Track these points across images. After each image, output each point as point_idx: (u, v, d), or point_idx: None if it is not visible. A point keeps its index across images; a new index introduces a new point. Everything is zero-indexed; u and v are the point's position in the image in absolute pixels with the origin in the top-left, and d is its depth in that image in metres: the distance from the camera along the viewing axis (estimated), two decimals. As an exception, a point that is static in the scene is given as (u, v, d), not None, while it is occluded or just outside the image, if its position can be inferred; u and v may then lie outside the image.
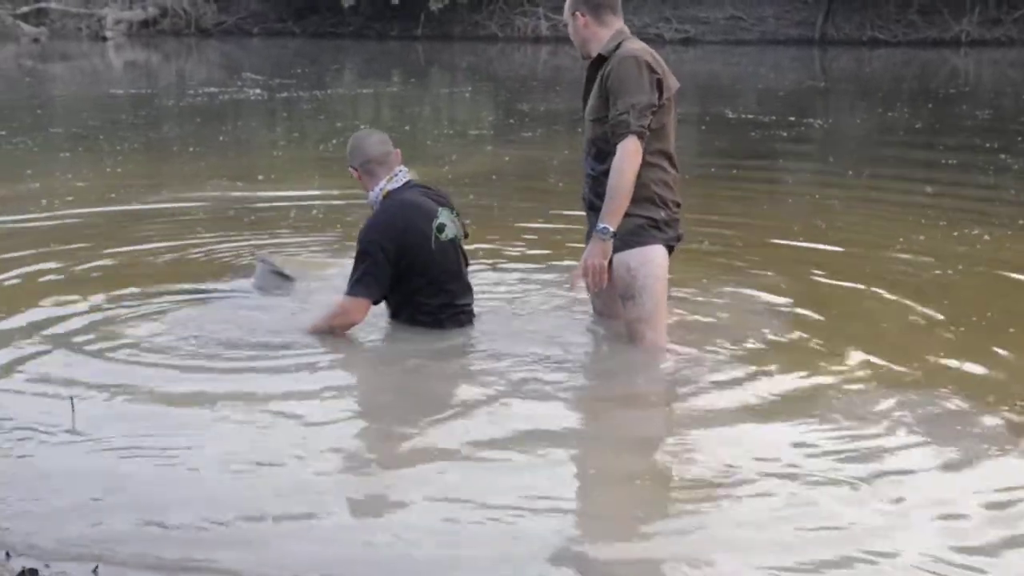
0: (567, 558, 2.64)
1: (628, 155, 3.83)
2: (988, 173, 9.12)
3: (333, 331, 4.20)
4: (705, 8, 29.94)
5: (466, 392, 3.73)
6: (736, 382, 3.81)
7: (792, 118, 13.36)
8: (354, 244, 4.25)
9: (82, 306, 4.66)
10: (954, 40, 27.38)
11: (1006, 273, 5.55)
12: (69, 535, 2.69)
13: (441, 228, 4.20)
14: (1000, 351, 4.17)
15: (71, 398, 3.52)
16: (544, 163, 9.75)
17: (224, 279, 5.17)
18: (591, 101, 4.02)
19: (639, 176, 3.87)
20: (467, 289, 4.37)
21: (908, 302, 4.89)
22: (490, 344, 4.17)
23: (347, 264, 4.30)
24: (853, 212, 7.31)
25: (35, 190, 7.82)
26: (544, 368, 3.92)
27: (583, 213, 4.23)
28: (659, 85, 3.88)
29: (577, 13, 4.02)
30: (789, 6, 29.64)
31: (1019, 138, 11.29)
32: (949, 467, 3.15)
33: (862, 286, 5.15)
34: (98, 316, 4.52)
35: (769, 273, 5.37)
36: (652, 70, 3.87)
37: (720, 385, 3.79)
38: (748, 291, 5.03)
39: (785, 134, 11.95)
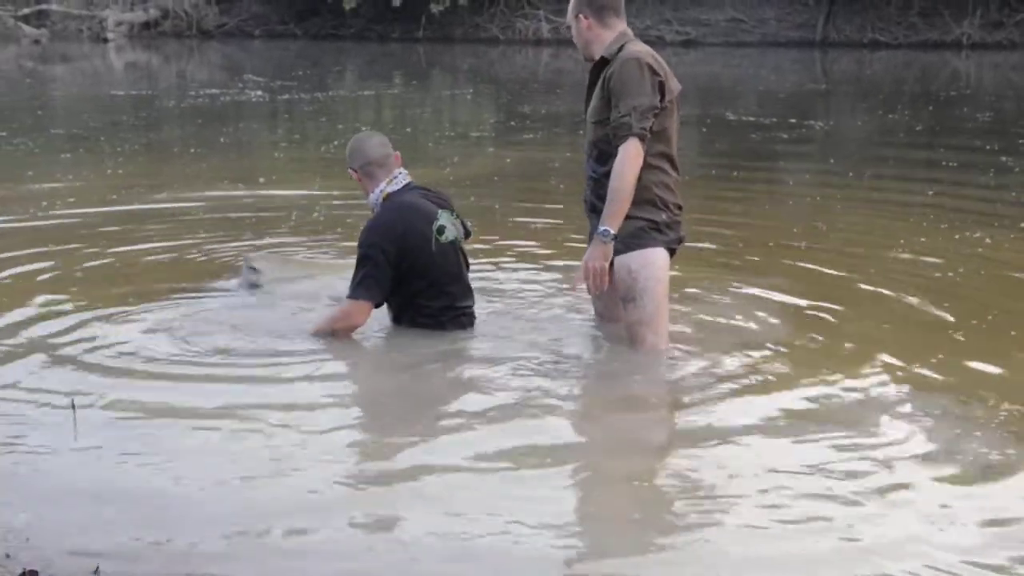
0: (568, 565, 2.63)
1: (629, 157, 3.82)
2: (989, 175, 9.11)
3: (335, 334, 4.19)
4: (706, 10, 29.95)
5: (467, 396, 3.72)
6: (737, 385, 3.80)
7: (793, 120, 13.37)
8: (355, 246, 4.25)
9: (83, 307, 4.66)
10: (955, 43, 27.38)
11: (1007, 275, 5.55)
12: (70, 537, 2.68)
13: (441, 230, 4.20)
14: (1002, 353, 4.17)
15: (72, 400, 3.51)
16: (545, 165, 9.75)
17: (225, 281, 5.17)
18: (593, 103, 4.02)
19: (640, 178, 3.86)
20: (468, 291, 4.37)
21: (909, 304, 4.89)
22: (491, 347, 4.17)
23: (346, 264, 4.30)
24: (854, 214, 7.31)
25: (36, 191, 7.82)
26: (545, 371, 3.92)
27: (584, 215, 4.22)
28: (661, 87, 3.88)
29: (580, 15, 4.02)
30: (790, 8, 29.64)
31: (1020, 140, 11.29)
32: (950, 469, 3.15)
33: (863, 288, 5.15)
34: (99, 317, 4.52)
35: (770, 275, 5.37)
36: (654, 72, 3.86)
37: (721, 388, 3.78)
38: (749, 293, 5.02)
39: (786, 136, 11.95)
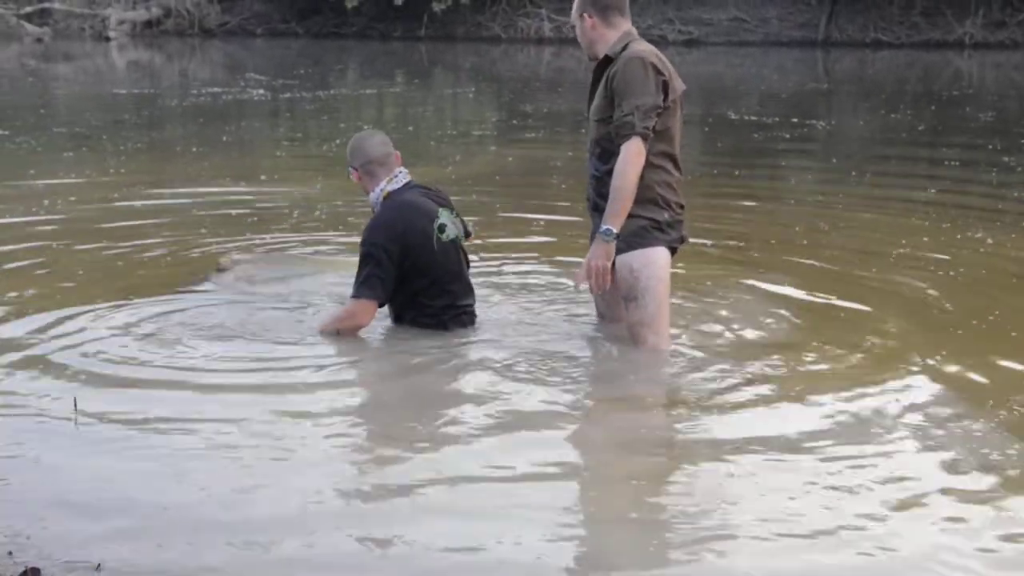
0: (569, 564, 2.63)
1: (632, 157, 3.82)
2: (991, 175, 9.11)
3: (340, 334, 4.19)
4: (708, 10, 29.93)
5: (468, 396, 3.72)
6: (738, 385, 3.80)
7: (795, 119, 13.36)
8: (357, 244, 4.25)
9: (84, 306, 4.66)
10: (957, 42, 27.35)
11: (1010, 275, 5.55)
12: (72, 534, 2.68)
13: (442, 228, 4.20)
14: (1003, 353, 4.17)
15: (74, 398, 3.51)
16: (547, 164, 9.74)
17: (228, 279, 5.16)
18: (596, 101, 4.02)
19: (643, 178, 3.86)
20: (469, 290, 4.37)
21: (911, 303, 4.89)
22: (492, 346, 4.16)
23: (343, 261, 4.29)
24: (856, 213, 7.31)
25: (38, 189, 7.83)
26: (546, 371, 3.91)
27: (586, 214, 4.22)
28: (665, 87, 3.88)
29: (585, 15, 4.02)
30: (792, 8, 29.62)
31: (1022, 140, 11.28)
32: (951, 470, 3.14)
33: (865, 287, 5.15)
34: (100, 316, 4.52)
35: (772, 274, 5.36)
36: (658, 72, 3.86)
37: (722, 388, 3.78)
38: (750, 292, 5.02)
39: (788, 135, 11.95)
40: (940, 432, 3.42)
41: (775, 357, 4.10)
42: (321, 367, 3.93)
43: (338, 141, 10.62)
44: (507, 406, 3.59)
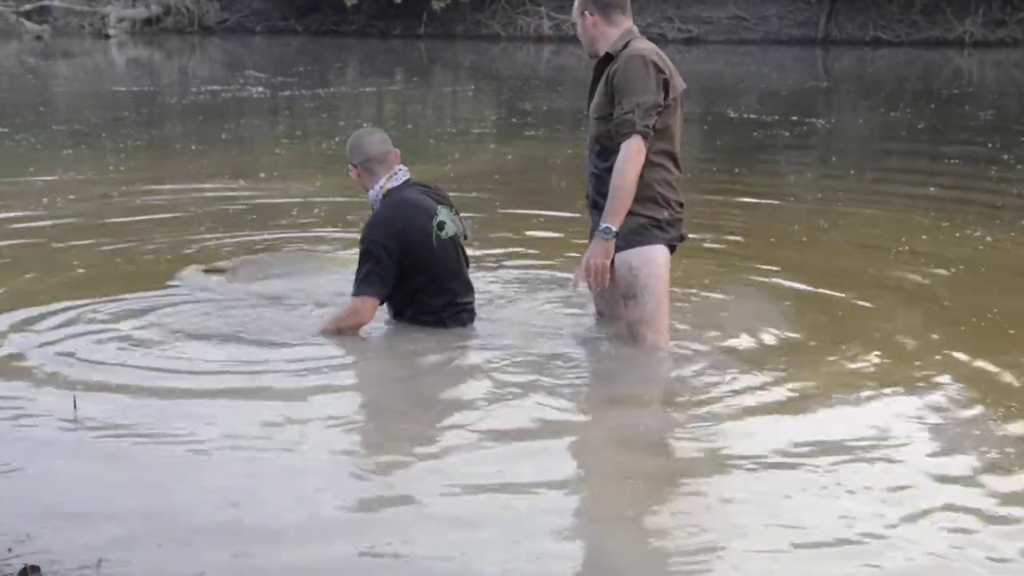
0: (568, 562, 2.63)
1: (631, 155, 3.82)
2: (991, 173, 9.11)
3: (341, 332, 4.19)
4: (708, 8, 29.91)
5: (467, 395, 3.72)
6: (738, 383, 3.80)
7: (795, 118, 13.36)
8: (355, 241, 4.25)
9: (83, 303, 4.66)
10: (957, 41, 27.33)
11: (1009, 272, 5.55)
12: (72, 533, 2.68)
13: (441, 226, 4.20)
14: (1002, 350, 4.17)
15: (73, 396, 3.51)
16: (547, 162, 9.74)
17: (227, 277, 5.16)
18: (596, 99, 4.01)
19: (642, 176, 3.86)
20: (468, 287, 4.37)
21: (910, 302, 4.90)
22: (491, 344, 4.17)
23: (342, 258, 4.28)
24: (855, 211, 7.31)
25: (37, 187, 7.83)
26: (545, 369, 3.91)
27: (586, 212, 4.22)
28: (665, 85, 3.88)
29: (586, 12, 4.01)
30: (792, 6, 29.60)
31: (1022, 138, 11.28)
32: (950, 468, 3.14)
33: (864, 286, 5.15)
34: (99, 313, 4.52)
35: (771, 273, 5.37)
36: (659, 70, 3.86)
37: (721, 386, 3.78)
38: (749, 290, 5.02)
39: (787, 134, 11.95)
40: (938, 429, 3.43)
41: (774, 355, 4.10)
42: (321, 367, 3.92)
43: (337, 139, 10.62)
44: (506, 405, 3.59)
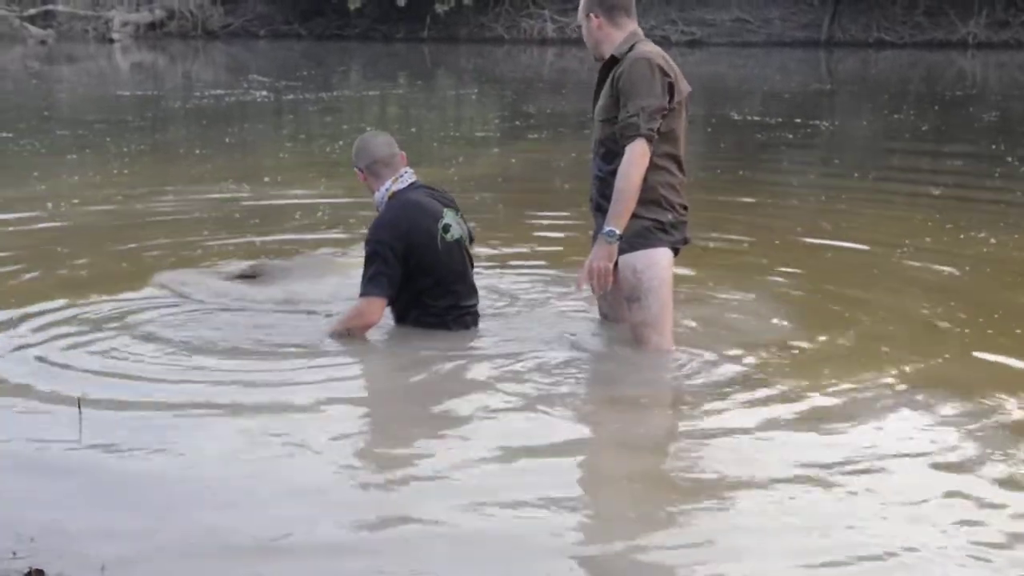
0: (571, 563, 2.63)
1: (636, 158, 3.82)
2: (995, 175, 9.10)
3: (350, 333, 4.19)
4: (711, 10, 29.94)
5: (471, 397, 3.72)
6: (741, 385, 3.80)
7: (798, 120, 13.36)
8: (358, 245, 4.25)
9: (88, 307, 4.67)
10: (961, 42, 27.34)
11: (1013, 274, 5.54)
12: (76, 535, 2.68)
13: (447, 228, 4.21)
14: (1007, 351, 4.16)
15: (78, 399, 3.51)
16: (550, 165, 9.75)
17: (230, 280, 5.17)
18: (601, 101, 4.01)
19: (646, 179, 3.86)
20: (472, 290, 4.37)
21: (914, 303, 4.89)
22: (495, 346, 4.17)
23: (346, 263, 4.28)
24: (859, 214, 7.30)
25: (41, 192, 7.84)
26: (548, 371, 3.91)
27: (589, 215, 4.22)
28: (670, 89, 3.87)
29: (591, 15, 4.02)
30: (795, 8, 29.62)
31: (1026, 140, 11.26)
32: (952, 469, 3.13)
33: (868, 287, 5.14)
34: (104, 317, 4.52)
35: (775, 274, 5.37)
36: (664, 73, 3.86)
37: (725, 388, 3.78)
38: (753, 292, 5.02)
39: (791, 136, 11.94)
40: (943, 431, 3.42)
41: (777, 357, 4.09)
42: (325, 370, 3.91)
43: (341, 143, 10.63)
44: (508, 407, 3.59)
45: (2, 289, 4.99)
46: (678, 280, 4.14)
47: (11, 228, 6.52)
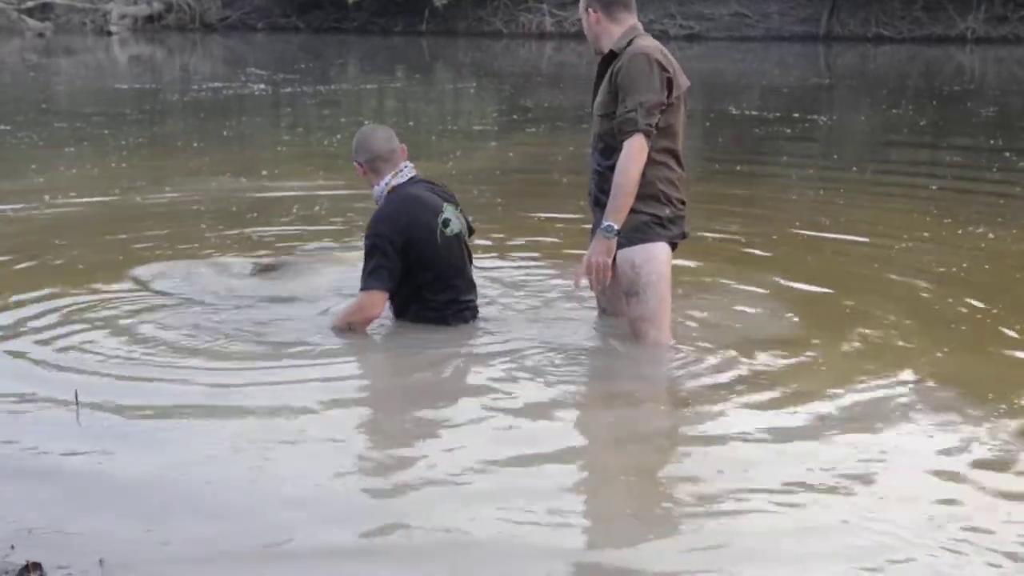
0: (571, 559, 2.63)
1: (633, 153, 3.82)
2: (993, 170, 9.10)
3: (351, 328, 4.18)
4: (710, 4, 29.89)
5: (469, 392, 3.72)
6: (740, 380, 3.80)
7: (796, 115, 13.35)
8: (357, 239, 4.25)
9: (85, 301, 4.66)
10: (959, 37, 27.31)
11: (1012, 269, 5.54)
12: (74, 529, 2.68)
13: (446, 223, 4.20)
14: (1006, 348, 4.16)
15: (75, 391, 3.51)
16: (548, 159, 9.74)
17: (229, 275, 5.16)
18: (600, 96, 4.01)
19: (644, 174, 3.86)
20: (471, 285, 4.37)
21: (913, 298, 4.89)
22: (494, 341, 4.17)
23: (346, 257, 4.28)
24: (857, 209, 7.30)
25: (39, 184, 7.83)
26: (547, 367, 3.91)
27: (587, 209, 4.22)
28: (669, 84, 3.87)
29: (589, 9, 4.01)
30: (794, 2, 29.58)
31: (1024, 135, 11.26)
32: (952, 466, 3.13)
33: (867, 283, 5.15)
34: (101, 311, 4.52)
35: (773, 269, 5.36)
36: (663, 68, 3.85)
37: (724, 383, 3.78)
38: (752, 287, 5.02)
39: (789, 131, 11.94)
40: (942, 428, 3.42)
41: (776, 352, 4.09)
42: (324, 365, 3.91)
43: (339, 136, 10.62)
44: (508, 402, 3.58)
45: (-1, 282, 4.99)
46: (676, 274, 4.14)
47: (8, 220, 6.51)
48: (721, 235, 6.16)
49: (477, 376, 3.84)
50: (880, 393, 3.69)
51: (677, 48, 23.59)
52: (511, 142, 11.11)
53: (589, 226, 4.18)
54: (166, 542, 2.63)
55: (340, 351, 4.09)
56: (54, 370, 3.83)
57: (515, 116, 13.74)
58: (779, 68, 21.63)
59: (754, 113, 13.53)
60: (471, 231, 4.40)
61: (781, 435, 3.34)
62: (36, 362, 3.91)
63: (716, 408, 3.57)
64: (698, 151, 9.78)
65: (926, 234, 6.30)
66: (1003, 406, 3.56)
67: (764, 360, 4.00)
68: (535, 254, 5.72)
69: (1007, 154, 9.87)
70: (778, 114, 13.32)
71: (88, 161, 9.26)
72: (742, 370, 3.89)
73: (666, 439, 3.46)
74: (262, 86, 16.37)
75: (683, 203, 4.03)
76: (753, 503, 2.86)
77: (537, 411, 3.51)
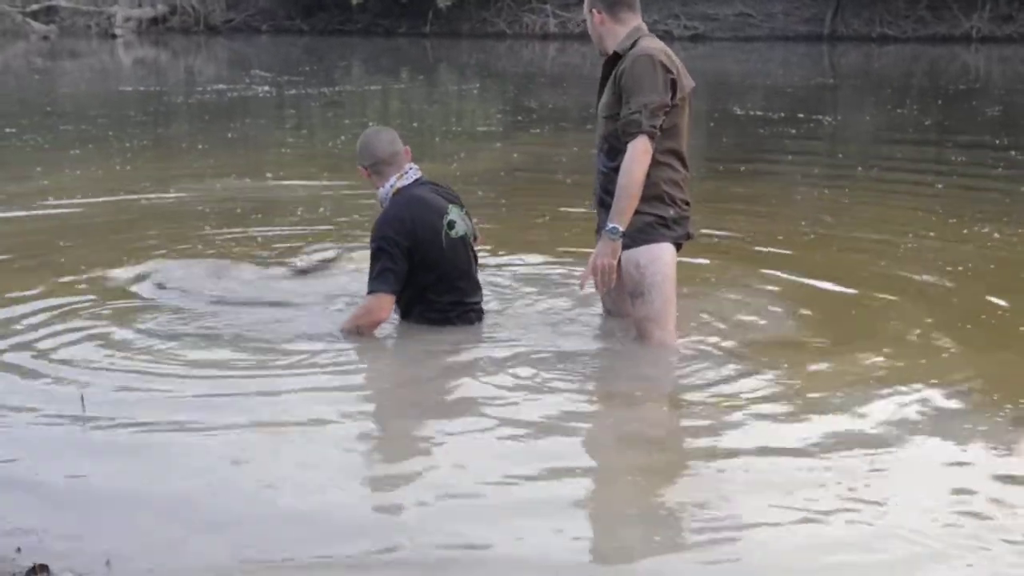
0: (573, 560, 2.63)
1: (638, 155, 3.81)
2: (998, 170, 9.08)
3: (359, 331, 4.18)
4: (714, 5, 29.88)
5: (474, 393, 3.71)
6: (745, 380, 3.79)
7: (801, 115, 13.33)
8: (361, 240, 4.25)
9: (90, 303, 4.67)
10: (964, 36, 27.27)
11: (1018, 269, 5.53)
12: (81, 531, 2.69)
13: (452, 225, 4.20)
14: (1011, 348, 4.15)
15: (81, 394, 3.51)
16: (553, 160, 9.73)
17: (234, 277, 5.16)
18: (604, 98, 4.01)
19: (649, 175, 3.85)
20: (476, 287, 4.37)
21: (918, 298, 4.88)
22: (498, 343, 4.16)
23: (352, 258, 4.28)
24: (862, 208, 7.29)
25: (44, 186, 7.84)
26: (552, 367, 3.91)
27: (592, 210, 4.22)
28: (673, 85, 3.87)
29: (593, 10, 4.01)
30: (798, 2, 29.56)
31: (1030, 134, 11.24)
32: (956, 466, 3.13)
33: (872, 283, 5.13)
34: (106, 313, 4.52)
35: (777, 269, 5.35)
36: (667, 69, 3.85)
37: (729, 383, 3.77)
38: (756, 287, 5.01)
39: (794, 131, 11.92)
40: (946, 427, 3.41)
41: (782, 352, 4.08)
42: (330, 374, 3.89)
43: (343, 138, 10.63)
44: (513, 403, 3.58)
45: (3, 283, 4.98)
46: (681, 275, 4.13)
47: (13, 222, 6.52)
48: (726, 234, 6.15)
49: (483, 383, 3.80)
50: (884, 393, 3.68)
51: (681, 48, 23.59)
52: (515, 143, 11.11)
53: (594, 226, 4.18)
54: (172, 545, 2.63)
55: (347, 359, 4.06)
56: (60, 371, 3.83)
57: (519, 117, 13.74)
58: (783, 68, 21.61)
59: (759, 113, 13.52)
60: (475, 237, 4.39)
61: (786, 435, 3.33)
62: (42, 365, 3.91)
63: (722, 408, 3.56)
64: (703, 151, 9.77)
65: (931, 233, 6.28)
66: (1008, 406, 3.54)
67: (769, 360, 3.99)
68: (540, 255, 5.71)
69: (1012, 153, 9.84)
70: (783, 114, 13.30)
71: (93, 163, 9.27)
72: (747, 370, 3.88)
73: (671, 439, 3.45)
74: (266, 88, 16.39)
75: (687, 204, 4.03)
76: (757, 503, 2.85)
77: (540, 412, 3.50)
